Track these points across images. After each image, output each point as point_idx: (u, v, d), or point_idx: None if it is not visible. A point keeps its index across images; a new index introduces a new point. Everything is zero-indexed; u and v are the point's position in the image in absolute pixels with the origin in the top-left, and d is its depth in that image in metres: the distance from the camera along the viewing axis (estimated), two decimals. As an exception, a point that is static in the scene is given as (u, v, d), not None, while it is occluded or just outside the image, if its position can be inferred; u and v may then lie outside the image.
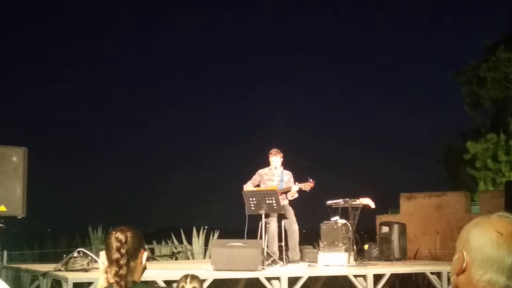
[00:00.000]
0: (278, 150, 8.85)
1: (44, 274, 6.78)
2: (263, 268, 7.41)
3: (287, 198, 8.71)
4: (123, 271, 2.47)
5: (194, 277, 4.30)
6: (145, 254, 2.60)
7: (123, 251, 2.49)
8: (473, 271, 1.50)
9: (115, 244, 2.50)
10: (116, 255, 2.49)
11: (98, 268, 6.45)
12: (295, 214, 8.68)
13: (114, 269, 2.48)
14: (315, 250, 9.06)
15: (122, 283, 2.47)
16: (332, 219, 8.74)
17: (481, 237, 1.51)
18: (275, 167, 8.76)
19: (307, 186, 8.53)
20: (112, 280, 2.48)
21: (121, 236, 2.52)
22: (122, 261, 2.48)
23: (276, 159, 8.76)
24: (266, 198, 8.14)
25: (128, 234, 2.54)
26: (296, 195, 8.65)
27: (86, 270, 6.62)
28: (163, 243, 13.18)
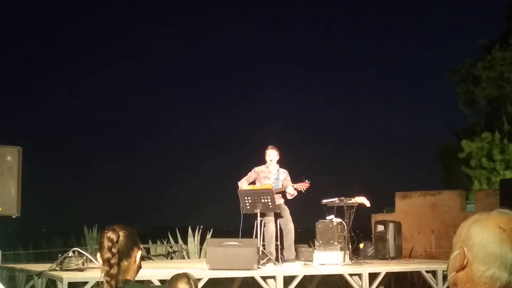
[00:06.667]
0: (275, 146, 8.83)
1: (39, 274, 6.76)
2: (259, 267, 7.41)
3: (287, 197, 8.66)
4: (113, 271, 2.47)
5: (188, 275, 4.29)
6: (139, 253, 2.59)
7: (114, 250, 2.48)
8: (474, 267, 1.49)
9: (106, 243, 2.49)
10: (107, 255, 2.48)
11: (93, 268, 6.46)
12: (290, 213, 8.67)
13: (105, 268, 2.48)
14: (311, 249, 9.06)
15: (113, 282, 2.46)
16: (327, 218, 8.74)
17: (483, 233, 1.50)
18: (270, 160, 8.71)
19: (303, 186, 8.51)
20: (103, 279, 2.48)
21: (112, 235, 2.51)
22: (113, 261, 2.48)
23: (272, 152, 8.71)
24: (262, 197, 8.13)
25: (121, 233, 2.53)
26: (295, 193, 8.60)
27: (81, 270, 6.60)
28: (158, 242, 13.18)
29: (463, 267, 1.51)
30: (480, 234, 1.50)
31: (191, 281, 4.22)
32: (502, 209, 1.55)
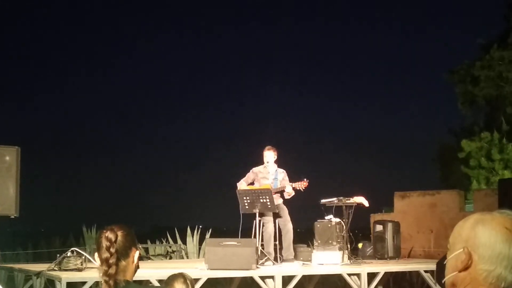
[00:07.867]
0: (272, 147, 8.82)
1: (38, 274, 6.77)
2: (257, 267, 7.41)
3: (284, 197, 8.66)
4: (112, 270, 2.47)
5: (184, 275, 4.27)
6: (137, 253, 2.59)
7: (112, 250, 2.49)
8: (480, 268, 1.49)
9: (104, 243, 2.50)
10: (105, 254, 2.49)
11: (91, 268, 6.46)
12: (289, 213, 8.67)
13: (103, 268, 2.48)
14: (309, 249, 9.06)
15: (111, 282, 2.46)
16: (326, 217, 8.74)
17: (491, 233, 1.50)
18: (267, 162, 8.70)
19: (301, 185, 8.51)
20: (101, 279, 2.48)
21: (110, 235, 2.51)
22: (111, 260, 2.48)
23: (268, 153, 8.71)
24: (260, 197, 8.13)
25: (119, 233, 2.54)
26: (293, 193, 8.61)
27: (79, 270, 6.60)
28: (157, 242, 13.17)
29: (466, 267, 1.51)
30: (487, 234, 1.50)
31: (188, 281, 4.21)
32: (502, 210, 1.55)
